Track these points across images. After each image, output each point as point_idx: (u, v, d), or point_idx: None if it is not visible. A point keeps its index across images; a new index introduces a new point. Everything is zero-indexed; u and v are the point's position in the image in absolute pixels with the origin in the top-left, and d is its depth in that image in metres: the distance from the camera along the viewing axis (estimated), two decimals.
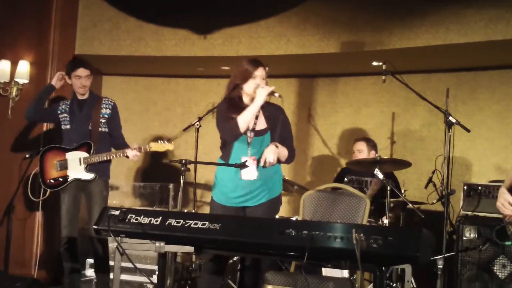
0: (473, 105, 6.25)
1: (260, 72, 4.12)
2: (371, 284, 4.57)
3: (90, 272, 5.76)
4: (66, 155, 5.08)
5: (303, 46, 6.02)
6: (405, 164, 5.29)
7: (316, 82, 6.94)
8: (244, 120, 4.02)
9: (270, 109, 4.20)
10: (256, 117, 4.13)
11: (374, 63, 5.25)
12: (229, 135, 4.10)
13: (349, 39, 5.87)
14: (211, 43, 6.29)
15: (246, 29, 6.18)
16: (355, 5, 5.86)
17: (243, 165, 4.00)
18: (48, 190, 5.15)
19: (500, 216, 4.30)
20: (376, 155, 5.32)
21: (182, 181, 3.80)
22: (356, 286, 4.12)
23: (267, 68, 4.18)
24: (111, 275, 5.03)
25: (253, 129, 4.12)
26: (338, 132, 6.81)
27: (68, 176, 5.05)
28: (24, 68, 6.25)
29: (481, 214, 5.08)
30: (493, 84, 6.20)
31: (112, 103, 5.27)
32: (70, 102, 5.28)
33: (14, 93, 6.19)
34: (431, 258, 3.68)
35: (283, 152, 4.12)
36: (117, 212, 3.27)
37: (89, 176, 5.02)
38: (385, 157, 5.46)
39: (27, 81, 6.28)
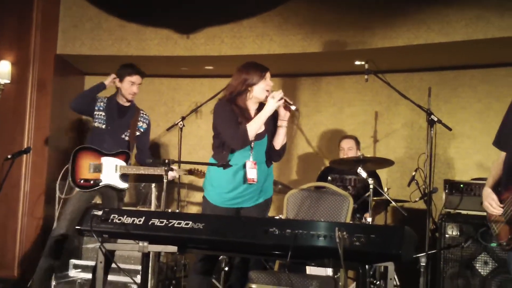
0: (455, 104, 6.30)
1: (268, 76, 4.07)
2: (355, 282, 4.59)
3: (73, 273, 5.73)
4: (102, 159, 4.94)
5: (286, 45, 6.03)
6: (388, 162, 5.32)
7: (299, 82, 6.95)
8: (254, 128, 3.94)
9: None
10: None
11: (357, 62, 5.28)
12: (238, 143, 3.97)
13: (331, 38, 5.89)
14: (194, 43, 6.28)
15: (228, 28, 6.18)
16: (337, 4, 5.88)
17: (226, 165, 3.98)
18: (76, 189, 4.93)
19: (483, 214, 4.38)
20: (360, 153, 5.34)
21: (165, 181, 3.78)
22: (339, 284, 4.13)
23: None
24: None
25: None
26: (321, 131, 6.83)
27: (100, 180, 4.90)
28: (5, 68, 6.21)
29: (463, 212, 5.13)
30: (474, 82, 6.26)
31: (148, 119, 5.21)
32: (107, 101, 5.14)
33: None
34: (414, 256, 3.70)
35: (283, 137, 4.11)
36: (100, 212, 3.25)
37: (124, 185, 4.97)
38: (368, 156, 5.49)
39: (8, 81, 6.24)
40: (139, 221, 3.19)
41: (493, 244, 4.67)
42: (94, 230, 3.20)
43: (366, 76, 5.24)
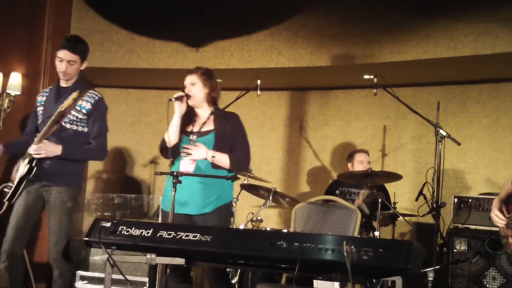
0: (463, 118, 6.30)
1: (188, 80, 4.34)
2: None
3: (80, 285, 5.73)
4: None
5: (294, 59, 6.05)
6: (396, 176, 5.31)
7: (307, 95, 6.97)
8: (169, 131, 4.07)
9: (221, 114, 4.20)
10: (204, 122, 4.14)
11: (366, 76, 5.29)
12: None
13: (340, 52, 5.91)
14: (203, 56, 6.31)
15: (237, 42, 6.21)
16: (346, 18, 5.91)
17: (234, 178, 3.98)
18: (6, 203, 4.19)
19: (492, 229, 4.42)
20: (368, 167, 5.34)
21: (173, 193, 3.79)
22: None
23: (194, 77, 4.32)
24: None
25: (197, 132, 4.10)
26: (329, 144, 6.83)
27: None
28: (16, 80, 6.24)
29: (471, 227, 5.11)
30: (483, 97, 6.25)
31: (95, 98, 4.33)
32: (49, 91, 4.39)
33: (6, 105, 6.17)
34: (422, 271, 3.69)
35: (220, 158, 4.00)
36: (108, 224, 3.25)
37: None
38: (376, 170, 5.48)
39: (19, 93, 6.27)
40: (147, 233, 3.19)
41: (499, 253, 4.68)
42: (102, 241, 3.21)
43: (374, 90, 5.25)
